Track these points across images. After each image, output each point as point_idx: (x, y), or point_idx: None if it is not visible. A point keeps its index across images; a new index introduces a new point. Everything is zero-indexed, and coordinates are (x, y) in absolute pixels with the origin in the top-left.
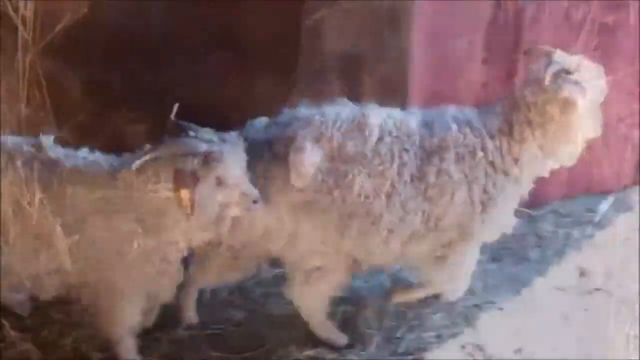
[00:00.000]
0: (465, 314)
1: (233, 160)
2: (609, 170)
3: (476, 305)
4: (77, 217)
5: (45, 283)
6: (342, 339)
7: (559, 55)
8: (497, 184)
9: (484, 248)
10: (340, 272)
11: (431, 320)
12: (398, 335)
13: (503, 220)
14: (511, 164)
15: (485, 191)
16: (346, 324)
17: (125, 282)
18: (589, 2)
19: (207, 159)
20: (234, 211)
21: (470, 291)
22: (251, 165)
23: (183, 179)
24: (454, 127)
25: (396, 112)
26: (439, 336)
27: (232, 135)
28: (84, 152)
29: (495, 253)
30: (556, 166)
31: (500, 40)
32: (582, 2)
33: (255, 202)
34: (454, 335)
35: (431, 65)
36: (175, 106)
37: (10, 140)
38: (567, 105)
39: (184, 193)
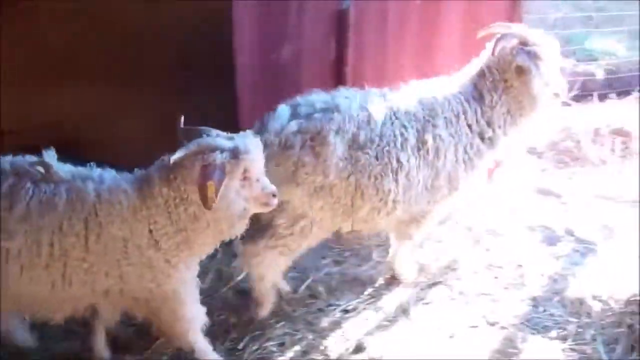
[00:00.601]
0: (308, 320)
1: (256, 156)
2: None
3: (320, 310)
4: (119, 247)
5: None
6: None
7: (517, 30)
8: (474, 145)
9: (325, 251)
10: (293, 258)
11: (274, 329)
12: (240, 347)
13: (479, 177)
14: (484, 126)
15: (465, 151)
16: None
17: (183, 288)
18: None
19: (235, 153)
20: (255, 207)
21: (313, 296)
22: (284, 154)
23: (210, 172)
24: (439, 96)
25: (395, 96)
26: (281, 344)
27: (249, 133)
28: (96, 170)
29: (338, 255)
30: (530, 129)
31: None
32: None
33: (274, 196)
34: (296, 342)
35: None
36: (182, 117)
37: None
38: (522, 72)
39: (210, 185)
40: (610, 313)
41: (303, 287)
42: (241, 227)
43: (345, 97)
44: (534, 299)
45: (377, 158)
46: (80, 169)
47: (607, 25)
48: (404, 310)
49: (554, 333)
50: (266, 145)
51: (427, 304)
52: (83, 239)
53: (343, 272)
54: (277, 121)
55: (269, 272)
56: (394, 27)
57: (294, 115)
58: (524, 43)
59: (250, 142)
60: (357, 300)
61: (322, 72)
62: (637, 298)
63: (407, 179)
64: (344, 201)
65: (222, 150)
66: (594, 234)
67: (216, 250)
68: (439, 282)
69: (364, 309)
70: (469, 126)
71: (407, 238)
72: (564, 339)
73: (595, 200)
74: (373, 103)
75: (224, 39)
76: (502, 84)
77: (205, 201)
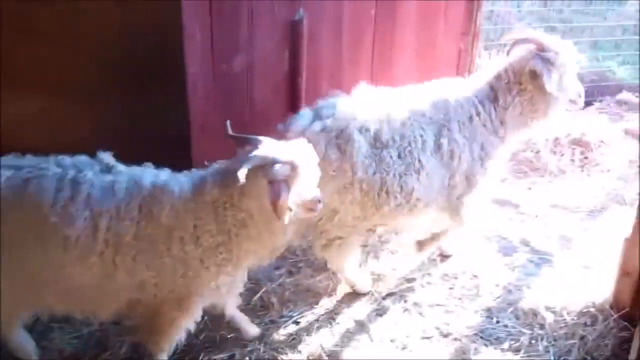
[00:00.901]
0: (260, 332)
1: (310, 166)
2: None
3: (272, 321)
4: (164, 236)
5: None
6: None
7: (535, 35)
8: (489, 141)
9: (279, 262)
10: (356, 243)
11: (224, 342)
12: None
13: (496, 171)
14: (498, 125)
15: (482, 148)
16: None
17: (201, 295)
18: None
19: (294, 166)
20: (302, 212)
21: (266, 307)
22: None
23: (279, 188)
24: (452, 99)
25: (411, 98)
26: (231, 357)
27: (302, 141)
28: (149, 169)
29: (292, 266)
30: (542, 130)
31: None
32: None
33: (319, 202)
34: (247, 355)
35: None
36: (228, 122)
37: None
38: (535, 76)
39: (282, 202)
40: (563, 324)
41: (256, 298)
42: (290, 233)
43: (365, 96)
44: (488, 310)
45: (399, 157)
46: (137, 167)
47: (570, 36)
48: (357, 321)
49: (506, 345)
50: None
51: (381, 315)
52: (135, 224)
53: (297, 283)
54: (299, 122)
55: (340, 263)
56: (349, 37)
57: (317, 117)
58: (541, 49)
59: (304, 152)
60: (311, 312)
61: (276, 83)
62: (591, 309)
63: (427, 179)
64: (372, 195)
65: (282, 164)
66: (550, 244)
67: None
68: (394, 293)
69: (317, 320)
70: (484, 125)
71: (458, 223)
72: (516, 350)
73: (553, 211)
74: (392, 103)
75: (176, 48)
76: (517, 86)
77: (280, 215)
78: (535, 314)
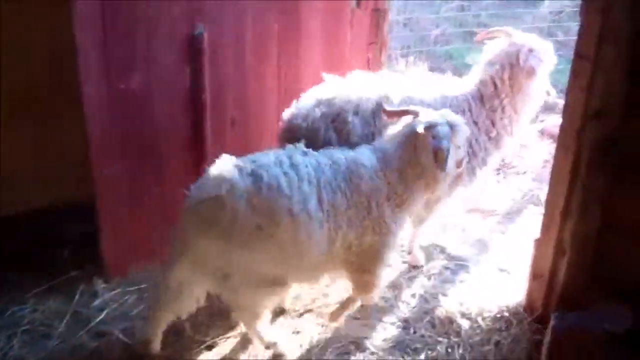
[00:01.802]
0: (170, 359)
1: (461, 129)
2: None
3: (184, 347)
4: (365, 202)
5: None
6: None
7: (522, 36)
8: (479, 141)
9: None
10: None
11: None
12: None
13: (484, 174)
14: (490, 126)
15: (470, 146)
16: None
17: (392, 246)
18: None
19: (453, 125)
20: (454, 169)
21: (178, 332)
22: (311, 135)
23: (442, 142)
24: (449, 92)
25: (416, 89)
26: None
27: (449, 111)
28: (337, 151)
29: None
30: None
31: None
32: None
33: (465, 160)
34: None
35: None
36: (381, 103)
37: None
38: (531, 73)
39: (441, 153)
40: (479, 331)
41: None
42: (445, 186)
43: (362, 81)
44: (404, 320)
45: None
46: (320, 151)
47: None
48: (271, 342)
49: (423, 355)
50: (295, 130)
51: (297, 333)
52: (345, 195)
53: (210, 305)
54: (302, 108)
55: None
56: (252, 51)
57: (318, 102)
58: (530, 49)
59: (455, 118)
60: (224, 335)
61: (178, 99)
62: (505, 314)
63: None
64: None
65: (445, 124)
66: (467, 250)
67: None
68: (311, 310)
69: (231, 343)
70: (475, 123)
71: (419, 223)
72: None
73: (469, 215)
74: (389, 87)
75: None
76: (507, 88)
77: (442, 164)
78: (451, 321)
